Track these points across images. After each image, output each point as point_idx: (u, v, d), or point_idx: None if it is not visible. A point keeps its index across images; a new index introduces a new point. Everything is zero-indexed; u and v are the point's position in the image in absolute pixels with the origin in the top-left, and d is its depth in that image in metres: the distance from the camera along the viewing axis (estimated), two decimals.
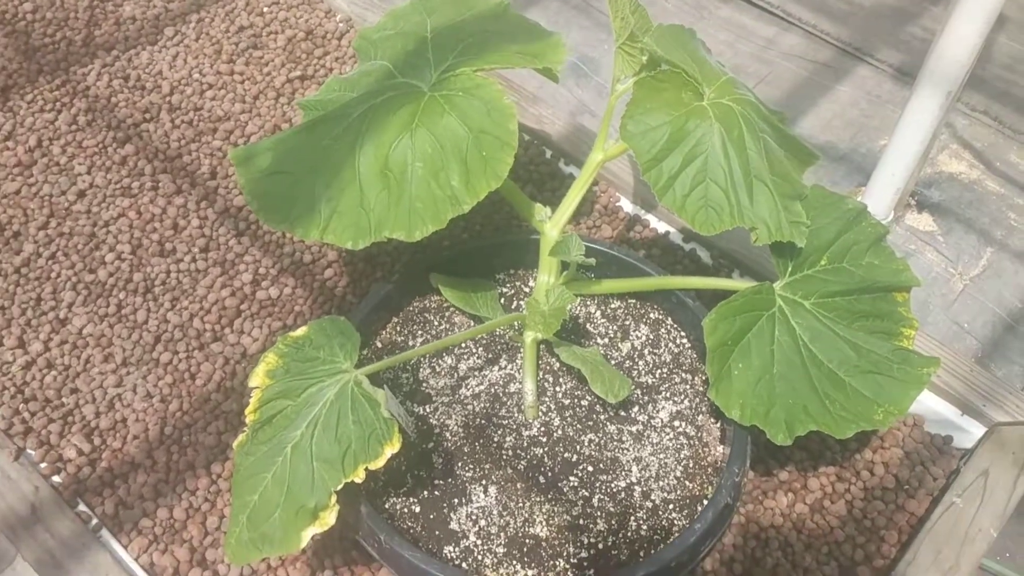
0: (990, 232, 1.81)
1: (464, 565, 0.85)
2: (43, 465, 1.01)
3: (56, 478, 1.01)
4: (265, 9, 1.51)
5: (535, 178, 1.31)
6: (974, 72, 2.06)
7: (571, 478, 0.92)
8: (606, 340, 1.03)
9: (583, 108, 1.97)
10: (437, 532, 0.88)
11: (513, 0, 1.07)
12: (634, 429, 0.96)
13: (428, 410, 0.97)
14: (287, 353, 0.84)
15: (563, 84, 2.04)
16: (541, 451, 0.94)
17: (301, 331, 0.86)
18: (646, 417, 0.97)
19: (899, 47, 2.15)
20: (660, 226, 1.27)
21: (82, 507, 1.00)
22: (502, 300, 1.07)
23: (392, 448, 0.78)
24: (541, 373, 1.00)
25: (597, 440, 0.95)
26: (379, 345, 1.02)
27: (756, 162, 0.89)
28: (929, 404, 1.11)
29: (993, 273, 1.75)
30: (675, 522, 0.89)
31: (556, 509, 0.90)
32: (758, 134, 0.91)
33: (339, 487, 0.78)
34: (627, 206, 1.29)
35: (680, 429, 0.96)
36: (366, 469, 0.78)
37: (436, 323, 1.04)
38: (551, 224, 0.99)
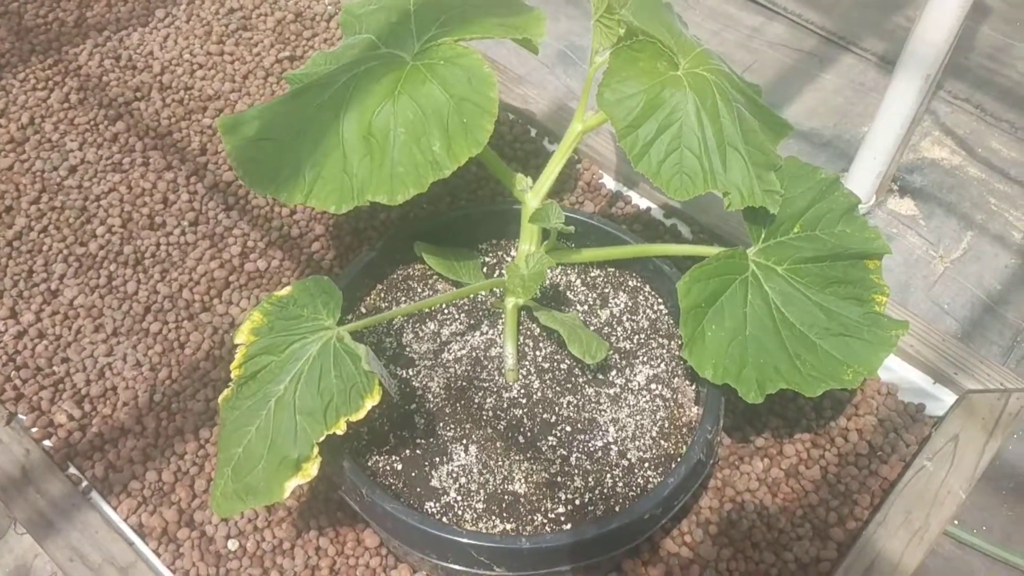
0: (971, 216, 1.84)
1: (444, 519, 0.88)
2: (34, 430, 1.03)
3: (47, 442, 1.03)
4: None
5: (520, 156, 1.33)
6: (957, 61, 2.09)
7: (549, 438, 0.94)
8: (586, 307, 1.06)
9: (570, 95, 2.00)
10: (418, 488, 0.90)
11: None
12: (611, 392, 0.98)
13: (411, 373, 0.99)
14: (272, 311, 0.87)
15: (551, 71, 2.07)
16: (521, 412, 0.96)
17: (285, 291, 0.89)
18: (623, 380, 0.99)
19: (883, 36, 2.17)
20: (642, 202, 1.29)
21: (72, 470, 1.02)
22: (485, 269, 1.09)
23: (372, 400, 0.80)
24: (522, 338, 1.02)
25: (575, 402, 0.97)
26: (363, 311, 1.04)
27: (729, 130, 0.92)
28: (903, 373, 1.14)
29: (973, 256, 1.78)
30: (650, 479, 0.91)
31: (535, 467, 0.92)
32: (732, 104, 0.93)
33: (321, 439, 0.80)
34: (609, 183, 1.32)
35: (656, 392, 0.99)
36: (347, 422, 0.80)
37: (419, 290, 1.07)
38: (532, 194, 1.01)
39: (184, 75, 1.40)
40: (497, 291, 1.06)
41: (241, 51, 1.44)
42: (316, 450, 0.80)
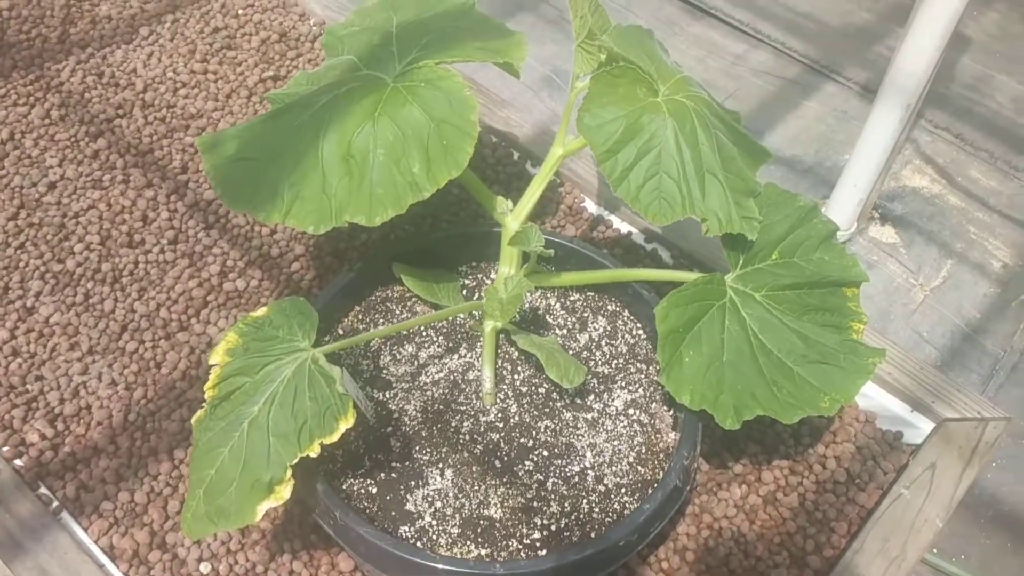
0: (951, 245, 1.85)
1: (418, 544, 0.87)
2: (5, 448, 1.02)
3: (18, 461, 1.02)
4: (240, 11, 1.53)
5: (502, 178, 1.33)
6: (938, 91, 2.11)
7: (526, 462, 0.94)
8: (565, 331, 1.06)
9: (555, 118, 2.00)
10: (393, 512, 0.89)
11: (490, 14, 1.10)
12: (589, 416, 0.98)
13: (388, 396, 0.98)
14: (247, 332, 0.86)
15: (536, 95, 2.08)
16: (497, 436, 0.95)
17: (261, 311, 0.88)
18: (601, 405, 0.99)
19: (865, 65, 2.20)
20: (623, 226, 1.30)
21: (43, 490, 1.00)
22: (464, 292, 1.09)
23: (346, 423, 0.80)
24: (500, 362, 1.02)
25: (553, 426, 0.97)
26: (340, 332, 1.04)
27: (708, 157, 0.92)
28: (881, 401, 1.14)
29: (953, 285, 1.79)
30: (627, 505, 0.91)
31: (511, 492, 0.91)
32: (711, 130, 0.94)
33: (294, 461, 0.79)
34: (591, 207, 1.32)
35: (634, 417, 0.98)
36: (321, 444, 0.80)
37: (398, 312, 1.06)
38: (512, 216, 1.02)
39: (167, 93, 1.40)
40: (476, 314, 1.05)
41: (225, 70, 1.43)
42: (289, 472, 0.80)
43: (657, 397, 1.00)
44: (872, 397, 1.14)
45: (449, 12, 1.05)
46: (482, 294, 1.09)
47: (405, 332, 1.04)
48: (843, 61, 2.21)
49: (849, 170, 1.72)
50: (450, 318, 1.05)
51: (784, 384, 0.91)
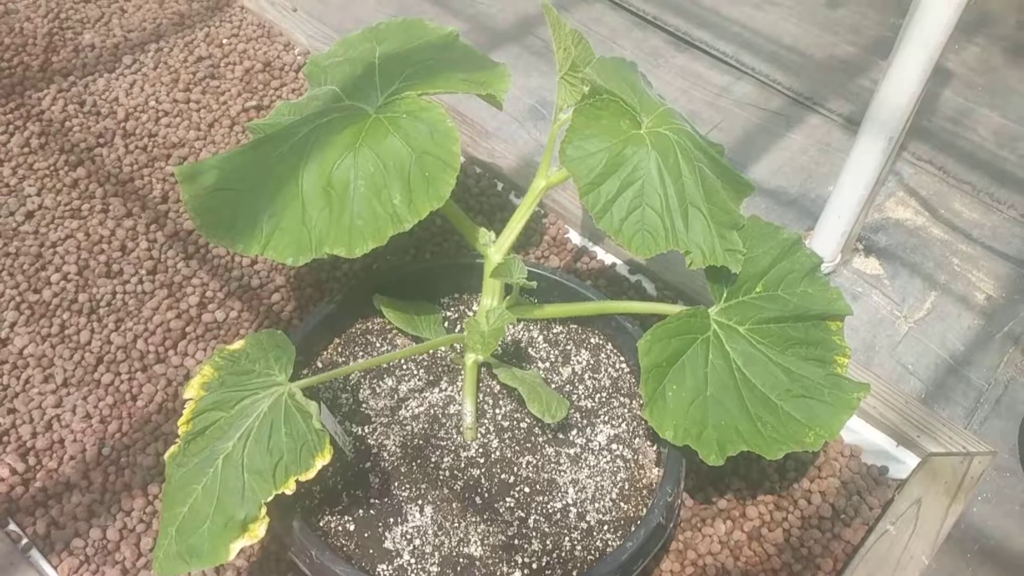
0: (934, 276, 1.85)
1: None
2: None
3: None
4: (224, 41, 1.53)
5: (486, 209, 1.32)
6: (920, 124, 2.12)
7: (507, 499, 0.92)
8: (547, 364, 1.04)
9: (540, 149, 2.00)
10: (371, 550, 0.87)
11: (476, 45, 1.10)
12: (572, 452, 0.96)
13: (367, 430, 0.97)
14: (223, 366, 0.85)
15: (521, 126, 2.07)
16: (478, 472, 0.94)
17: (238, 344, 0.87)
18: (584, 440, 0.98)
19: (848, 98, 2.21)
20: (607, 258, 1.29)
21: (12, 526, 0.98)
22: (446, 324, 1.08)
23: (323, 459, 0.78)
24: (481, 395, 1.01)
25: (535, 462, 0.95)
26: (320, 365, 1.02)
27: (691, 189, 0.92)
28: (866, 435, 1.13)
29: (937, 316, 1.78)
30: (609, 542, 0.89)
31: (491, 529, 0.90)
32: (694, 163, 0.93)
33: (269, 499, 0.78)
34: (575, 238, 1.31)
35: (617, 452, 0.97)
36: (297, 481, 0.78)
37: (378, 345, 1.05)
38: (495, 248, 1.01)
39: (149, 122, 1.39)
40: (457, 346, 1.04)
41: (208, 99, 1.43)
42: (264, 510, 0.78)
43: (641, 432, 0.99)
44: (857, 431, 1.13)
45: (432, 44, 1.05)
46: (464, 326, 1.08)
47: (385, 365, 1.02)
48: (826, 93, 2.22)
49: (833, 202, 1.72)
50: (431, 351, 1.04)
51: (768, 419, 0.90)
